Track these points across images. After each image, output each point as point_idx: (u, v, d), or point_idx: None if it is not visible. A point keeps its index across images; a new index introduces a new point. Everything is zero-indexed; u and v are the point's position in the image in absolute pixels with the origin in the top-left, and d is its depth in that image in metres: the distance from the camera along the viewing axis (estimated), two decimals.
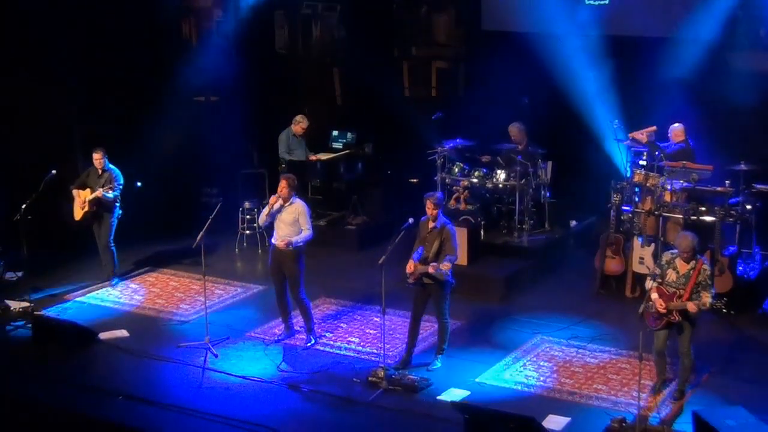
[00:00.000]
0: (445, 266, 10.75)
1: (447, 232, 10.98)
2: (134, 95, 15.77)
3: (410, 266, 10.93)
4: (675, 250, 10.24)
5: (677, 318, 10.05)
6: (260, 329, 12.42)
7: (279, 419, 10.13)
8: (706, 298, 9.91)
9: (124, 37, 15.62)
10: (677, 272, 10.11)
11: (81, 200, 13.49)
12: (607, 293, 13.40)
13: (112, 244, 13.74)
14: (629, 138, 13.80)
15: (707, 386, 10.75)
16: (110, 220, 13.65)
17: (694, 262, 10.05)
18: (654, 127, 13.72)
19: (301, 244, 11.63)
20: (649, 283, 10.21)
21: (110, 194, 13.42)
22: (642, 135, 13.71)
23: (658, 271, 10.23)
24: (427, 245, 10.98)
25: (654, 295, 10.11)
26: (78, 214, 13.59)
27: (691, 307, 9.87)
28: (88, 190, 13.51)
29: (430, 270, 10.77)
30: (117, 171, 13.69)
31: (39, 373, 11.31)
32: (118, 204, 13.66)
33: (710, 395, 10.53)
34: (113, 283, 13.81)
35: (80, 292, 13.50)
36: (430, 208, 10.97)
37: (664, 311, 10.04)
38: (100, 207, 13.54)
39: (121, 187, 13.63)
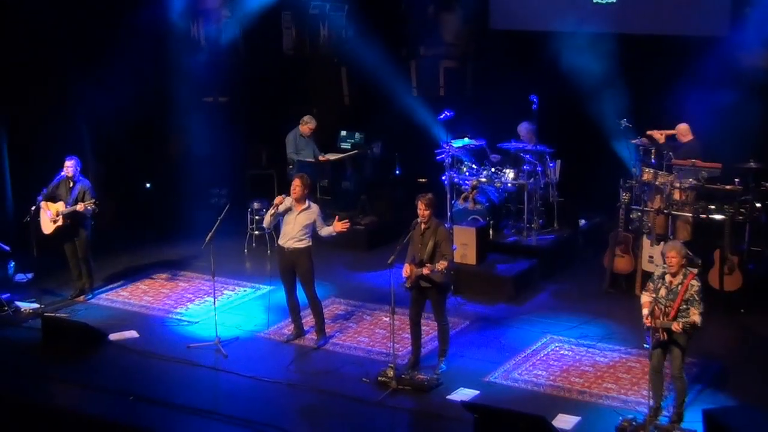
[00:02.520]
0: (441, 265, 10.58)
1: (441, 233, 10.86)
2: (143, 96, 15.79)
3: (406, 269, 10.82)
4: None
5: (664, 337, 9.50)
6: (270, 329, 12.43)
7: (289, 419, 10.15)
8: (694, 317, 9.35)
9: (132, 39, 15.64)
10: (667, 287, 9.62)
11: (52, 213, 12.97)
12: (616, 292, 13.38)
13: (90, 259, 13.45)
14: (646, 134, 13.72)
15: (717, 385, 10.73)
16: (85, 234, 13.19)
17: (682, 276, 9.57)
18: (674, 132, 13.67)
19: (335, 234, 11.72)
20: (643, 298, 9.81)
21: (90, 208, 12.89)
22: (660, 135, 13.64)
23: (651, 285, 9.77)
24: (420, 247, 10.83)
25: (644, 311, 9.64)
26: (48, 228, 13.03)
27: (675, 327, 9.34)
28: (59, 203, 12.97)
29: (425, 272, 10.69)
30: (88, 183, 13.22)
31: (49, 374, 11.35)
32: (89, 216, 13.19)
33: (720, 393, 10.52)
34: (88, 297, 13.48)
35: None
36: (421, 209, 10.81)
37: (651, 329, 9.52)
38: (73, 221, 13.06)
39: (94, 200, 13.10)
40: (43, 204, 12.99)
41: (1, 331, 12.54)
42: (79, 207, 12.88)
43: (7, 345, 12.25)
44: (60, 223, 13.01)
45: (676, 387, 9.78)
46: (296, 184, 11.58)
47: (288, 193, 11.71)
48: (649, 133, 13.70)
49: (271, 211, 11.67)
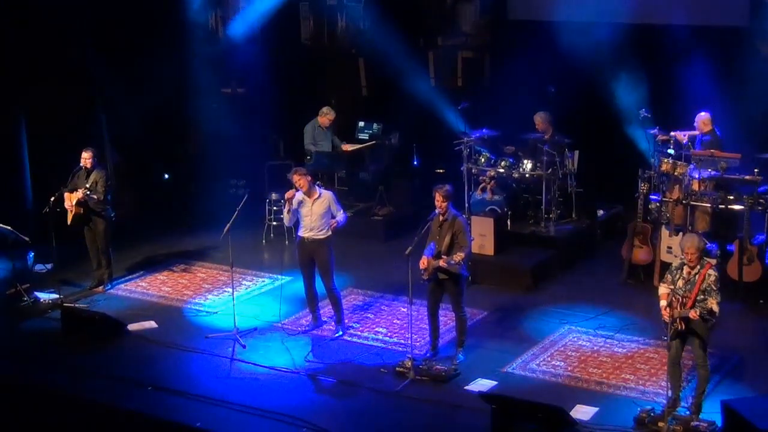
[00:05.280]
0: (458, 257, 10.59)
1: (459, 224, 10.85)
2: (162, 87, 15.83)
3: (423, 262, 10.80)
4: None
5: (682, 326, 9.48)
6: (288, 320, 12.46)
7: (306, 410, 10.17)
8: (712, 305, 9.33)
9: (151, 30, 15.67)
10: (685, 278, 9.58)
11: (70, 204, 13.03)
12: (634, 283, 13.35)
13: (109, 249, 13.46)
14: (670, 135, 13.63)
15: (736, 376, 10.70)
16: (103, 224, 13.21)
17: (699, 267, 9.53)
18: (697, 132, 13.60)
19: (343, 223, 11.80)
20: (661, 290, 9.75)
21: (94, 195, 12.89)
22: (684, 137, 13.57)
23: (669, 277, 9.73)
24: (438, 239, 10.83)
25: (662, 303, 9.61)
26: (69, 218, 13.12)
27: (693, 314, 9.33)
28: (76, 192, 12.99)
29: (442, 263, 10.68)
30: (104, 172, 13.28)
31: (68, 364, 11.40)
32: (109, 207, 13.26)
33: (739, 385, 10.49)
34: (107, 288, 13.53)
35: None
36: (438, 201, 10.80)
37: (669, 320, 9.53)
38: (88, 209, 13.08)
39: (108, 188, 13.17)
40: (66, 196, 13.07)
41: (21, 322, 12.62)
42: (79, 194, 12.90)
43: (27, 335, 12.34)
44: (74, 212, 13.09)
45: (699, 375, 9.75)
46: (297, 181, 11.58)
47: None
48: (673, 134, 13.59)
49: (287, 208, 11.70)
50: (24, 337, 12.29)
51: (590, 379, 10.74)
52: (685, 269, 9.60)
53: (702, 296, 9.43)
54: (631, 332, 11.85)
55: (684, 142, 13.53)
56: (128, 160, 16.27)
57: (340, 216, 11.82)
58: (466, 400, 10.22)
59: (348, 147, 15.93)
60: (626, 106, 14.48)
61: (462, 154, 14.59)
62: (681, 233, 12.55)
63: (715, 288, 9.45)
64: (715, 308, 9.38)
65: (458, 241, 10.76)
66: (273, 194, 15.54)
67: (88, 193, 12.91)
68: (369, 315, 12.61)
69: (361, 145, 16.31)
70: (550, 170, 14.29)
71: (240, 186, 17.13)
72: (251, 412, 10.19)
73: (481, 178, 14.79)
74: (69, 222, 13.17)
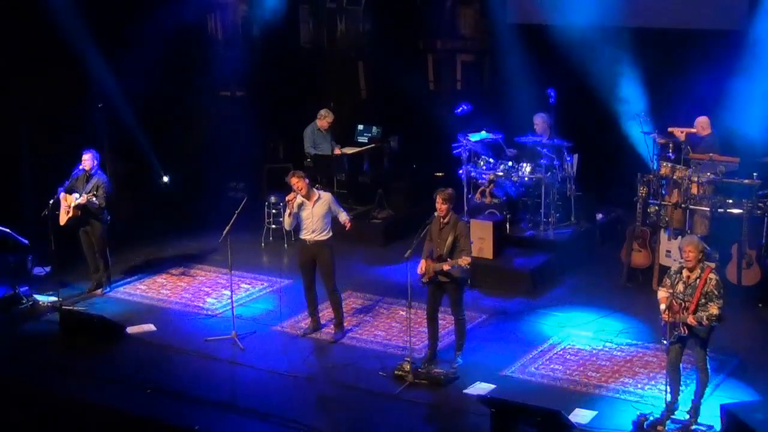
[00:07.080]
0: (464, 261, 10.60)
1: (461, 227, 10.85)
2: (160, 90, 15.82)
3: (422, 266, 10.83)
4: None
5: (684, 331, 9.48)
6: (286, 323, 12.46)
7: (304, 412, 10.18)
8: (713, 310, 9.29)
9: (150, 33, 15.66)
10: (684, 282, 9.56)
11: (66, 205, 12.99)
12: (633, 286, 13.34)
13: (107, 253, 13.48)
14: (667, 132, 13.67)
15: (735, 379, 10.69)
16: (100, 228, 13.22)
17: (699, 270, 9.50)
18: (694, 129, 13.60)
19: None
20: (660, 293, 9.76)
21: (96, 201, 12.93)
22: (680, 132, 13.58)
23: (668, 281, 9.72)
24: (439, 242, 10.81)
25: (662, 306, 9.61)
26: (63, 219, 13.08)
27: (691, 320, 9.34)
28: (74, 194, 12.99)
29: (446, 267, 10.69)
30: (106, 177, 13.26)
31: (67, 366, 11.41)
32: (106, 210, 13.22)
33: (739, 388, 10.49)
34: (105, 291, 13.53)
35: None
36: (439, 204, 10.78)
37: (670, 323, 9.50)
38: (85, 213, 13.08)
39: (108, 195, 13.13)
40: (62, 196, 13.06)
41: (19, 325, 12.63)
42: (82, 199, 12.91)
43: (25, 338, 12.34)
44: (71, 214, 13.07)
45: (698, 379, 9.74)
46: (295, 184, 11.57)
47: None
48: (670, 130, 13.64)
49: (288, 212, 11.70)
50: (22, 340, 12.29)
51: (589, 382, 10.74)
52: (684, 273, 9.58)
53: (704, 300, 9.41)
54: (630, 336, 11.85)
55: (682, 140, 13.48)
56: (127, 162, 16.26)
57: (344, 215, 11.85)
58: (465, 404, 10.23)
59: (338, 151, 15.88)
60: (625, 109, 14.48)
61: (461, 157, 14.59)
62: (680, 236, 12.56)
63: (717, 292, 9.41)
64: (717, 312, 9.33)
65: (460, 244, 10.76)
66: (272, 197, 15.54)
67: (93, 200, 12.91)
68: (368, 318, 12.60)
69: (360, 149, 16.31)
70: (549, 174, 14.28)
71: (239, 189, 17.13)
72: (250, 414, 10.19)
73: (479, 181, 14.78)
74: (62, 222, 13.15)
